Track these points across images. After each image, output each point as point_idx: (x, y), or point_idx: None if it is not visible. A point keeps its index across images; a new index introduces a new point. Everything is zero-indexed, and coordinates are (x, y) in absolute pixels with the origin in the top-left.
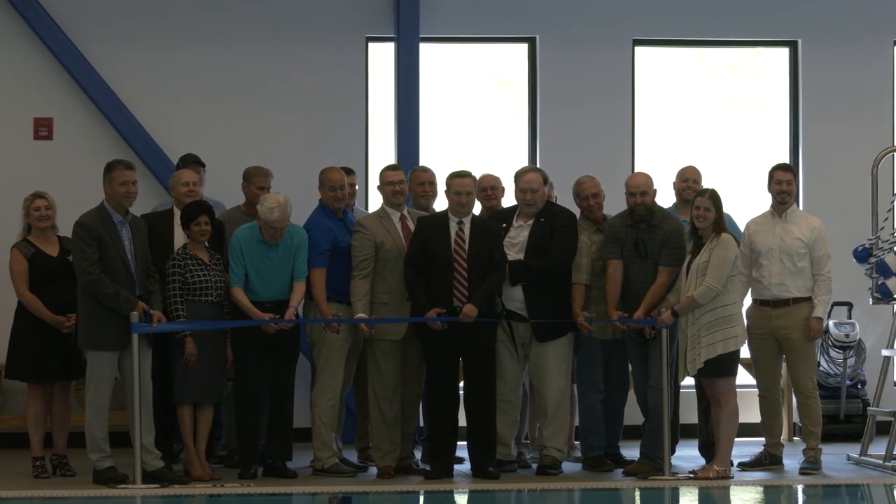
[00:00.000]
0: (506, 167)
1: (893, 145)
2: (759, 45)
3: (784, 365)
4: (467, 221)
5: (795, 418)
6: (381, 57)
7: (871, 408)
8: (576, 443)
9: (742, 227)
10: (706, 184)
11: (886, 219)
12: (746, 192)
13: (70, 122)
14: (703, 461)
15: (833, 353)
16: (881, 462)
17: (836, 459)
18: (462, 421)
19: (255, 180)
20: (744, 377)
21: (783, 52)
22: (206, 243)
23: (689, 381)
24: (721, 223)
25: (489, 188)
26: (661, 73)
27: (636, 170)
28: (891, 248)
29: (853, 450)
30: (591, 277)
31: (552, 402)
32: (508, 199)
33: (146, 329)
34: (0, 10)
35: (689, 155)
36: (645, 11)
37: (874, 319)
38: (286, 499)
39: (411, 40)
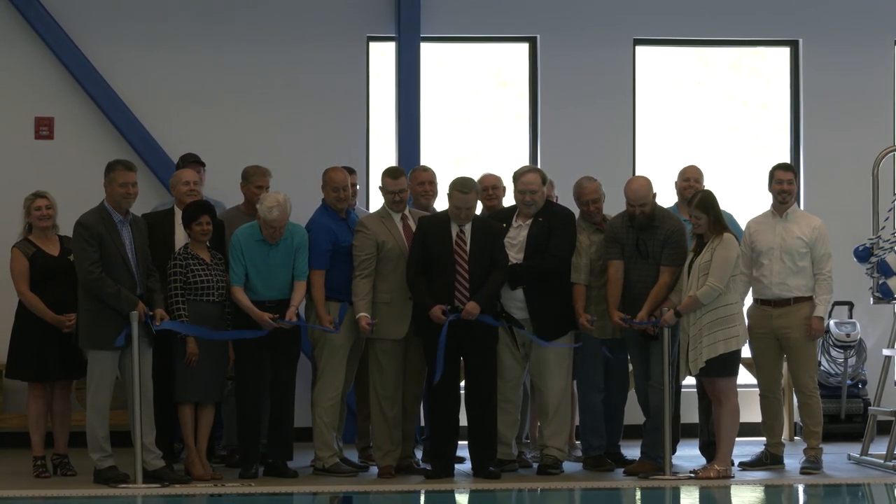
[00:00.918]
0: (506, 167)
1: (894, 145)
2: (760, 45)
3: (785, 364)
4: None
5: (796, 418)
6: (382, 56)
7: (871, 407)
8: (576, 442)
9: (743, 227)
10: (707, 183)
11: (887, 218)
12: (747, 192)
13: (71, 121)
14: (703, 461)
15: (834, 353)
16: (882, 462)
17: (837, 459)
18: (463, 420)
19: (254, 179)
20: (744, 377)
21: (784, 52)
22: (208, 243)
23: (689, 380)
24: (720, 223)
25: (490, 188)
26: (661, 72)
27: (637, 170)
28: (891, 248)
29: (854, 449)
30: (589, 277)
31: (553, 401)
32: (509, 199)
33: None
34: (1, 10)
35: (690, 154)
36: (646, 11)
37: (875, 319)
38: (287, 498)
39: (412, 40)
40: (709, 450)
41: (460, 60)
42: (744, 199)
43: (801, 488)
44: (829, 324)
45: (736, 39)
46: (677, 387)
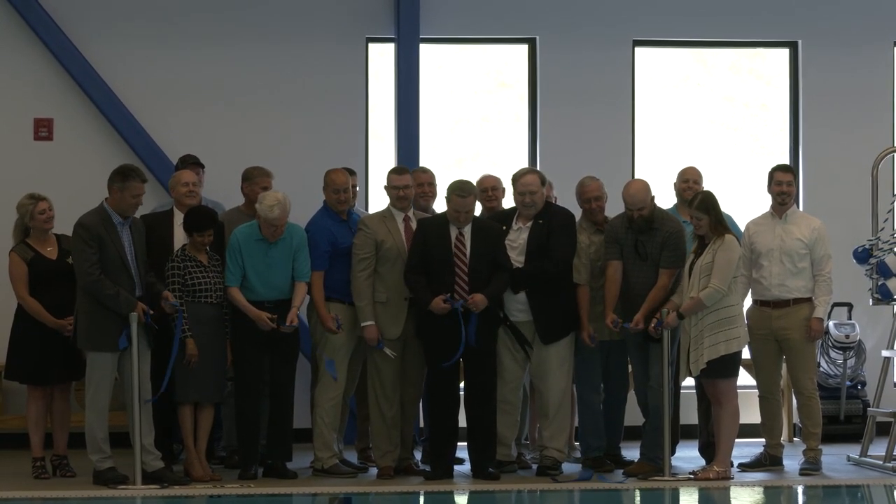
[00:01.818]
0: (506, 167)
1: (893, 146)
2: (760, 46)
3: (784, 366)
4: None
5: (795, 419)
6: (382, 57)
7: (871, 408)
8: (576, 443)
9: (742, 228)
10: (706, 184)
11: (886, 219)
12: (746, 193)
13: (70, 122)
14: (703, 462)
15: (833, 354)
16: (881, 463)
17: (837, 460)
18: (462, 421)
19: (256, 180)
20: (744, 378)
21: (783, 53)
22: (207, 248)
23: (689, 381)
24: (722, 224)
25: (490, 189)
26: (661, 73)
27: (636, 172)
28: (891, 249)
29: (853, 451)
30: (589, 278)
31: (553, 402)
32: (509, 200)
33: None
34: (0, 11)
35: (690, 155)
36: (645, 12)
37: (874, 320)
38: (286, 499)
39: (411, 41)
40: (708, 451)
41: (459, 61)
42: (743, 200)
43: (800, 489)
44: (828, 325)
45: (735, 40)
46: (677, 388)
